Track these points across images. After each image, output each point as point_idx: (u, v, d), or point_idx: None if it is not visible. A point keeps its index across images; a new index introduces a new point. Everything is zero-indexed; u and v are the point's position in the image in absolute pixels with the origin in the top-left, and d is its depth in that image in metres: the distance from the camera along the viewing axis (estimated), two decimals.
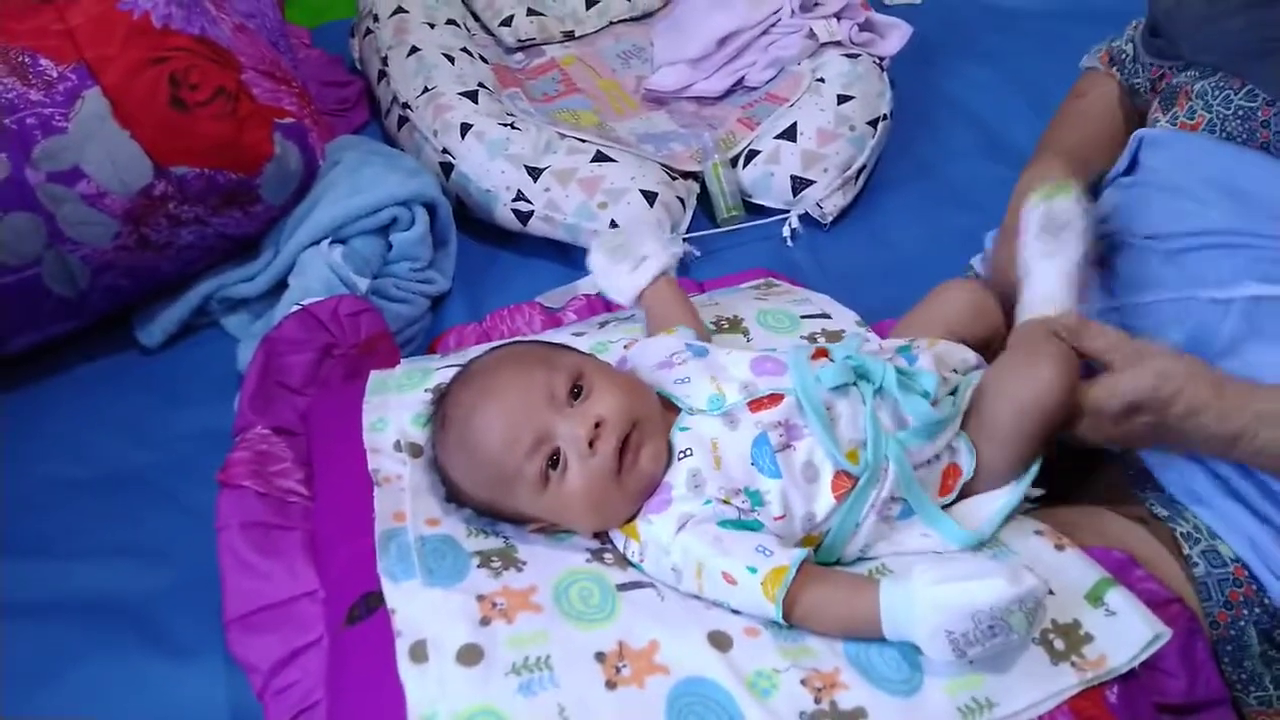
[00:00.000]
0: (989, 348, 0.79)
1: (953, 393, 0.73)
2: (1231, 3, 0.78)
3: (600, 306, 1.08)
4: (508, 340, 0.87)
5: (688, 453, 0.67)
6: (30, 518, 0.91)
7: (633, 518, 0.68)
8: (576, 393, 0.67)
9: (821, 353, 0.71)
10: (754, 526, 0.64)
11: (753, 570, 0.61)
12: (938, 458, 0.70)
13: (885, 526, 0.68)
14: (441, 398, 0.73)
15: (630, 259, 0.84)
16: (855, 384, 0.68)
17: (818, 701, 0.59)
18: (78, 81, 0.92)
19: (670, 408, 0.71)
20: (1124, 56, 0.97)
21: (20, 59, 0.91)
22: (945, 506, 0.69)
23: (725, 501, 0.65)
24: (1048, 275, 0.74)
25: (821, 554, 0.68)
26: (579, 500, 0.66)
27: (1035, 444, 0.70)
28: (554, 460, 0.66)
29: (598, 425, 0.65)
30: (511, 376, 0.69)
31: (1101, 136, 0.97)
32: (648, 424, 0.67)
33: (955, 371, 0.74)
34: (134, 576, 0.85)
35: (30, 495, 0.93)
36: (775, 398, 0.68)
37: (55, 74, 0.92)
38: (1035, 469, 0.71)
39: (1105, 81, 0.99)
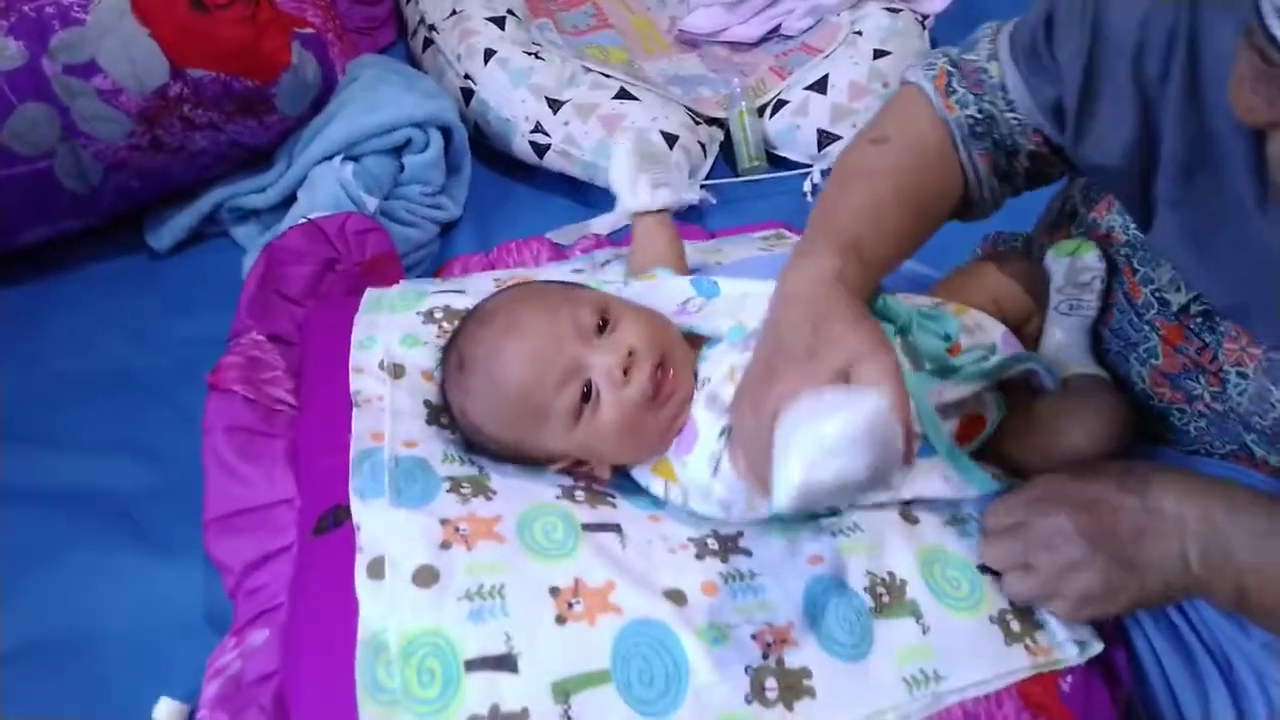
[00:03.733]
0: (1022, 328, 0.76)
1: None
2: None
3: (607, 246, 1.07)
4: (519, 282, 0.85)
5: (706, 381, 0.66)
6: (33, 409, 0.93)
7: (663, 455, 0.67)
8: (602, 327, 0.66)
9: None
10: None
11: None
12: (958, 407, 0.68)
13: None
14: (454, 338, 0.72)
15: (653, 174, 0.82)
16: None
17: (765, 656, 0.59)
18: None
19: (692, 343, 0.70)
20: (985, 80, 0.67)
21: None
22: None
23: None
24: (1071, 330, 0.72)
25: None
26: (613, 431, 0.65)
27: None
28: (586, 393, 0.65)
29: (630, 354, 0.64)
30: (536, 312, 0.68)
31: (894, 226, 0.65)
32: (676, 353, 0.67)
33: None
34: (126, 473, 0.87)
35: (34, 388, 0.95)
36: None
37: None
38: None
39: (922, 115, 0.68)
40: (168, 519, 0.83)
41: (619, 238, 1.14)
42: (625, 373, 0.64)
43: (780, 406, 0.51)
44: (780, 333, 0.56)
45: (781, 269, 0.60)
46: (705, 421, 0.65)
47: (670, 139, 1.14)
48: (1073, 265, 0.72)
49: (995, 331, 0.73)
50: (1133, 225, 0.69)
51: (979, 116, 0.67)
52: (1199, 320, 0.65)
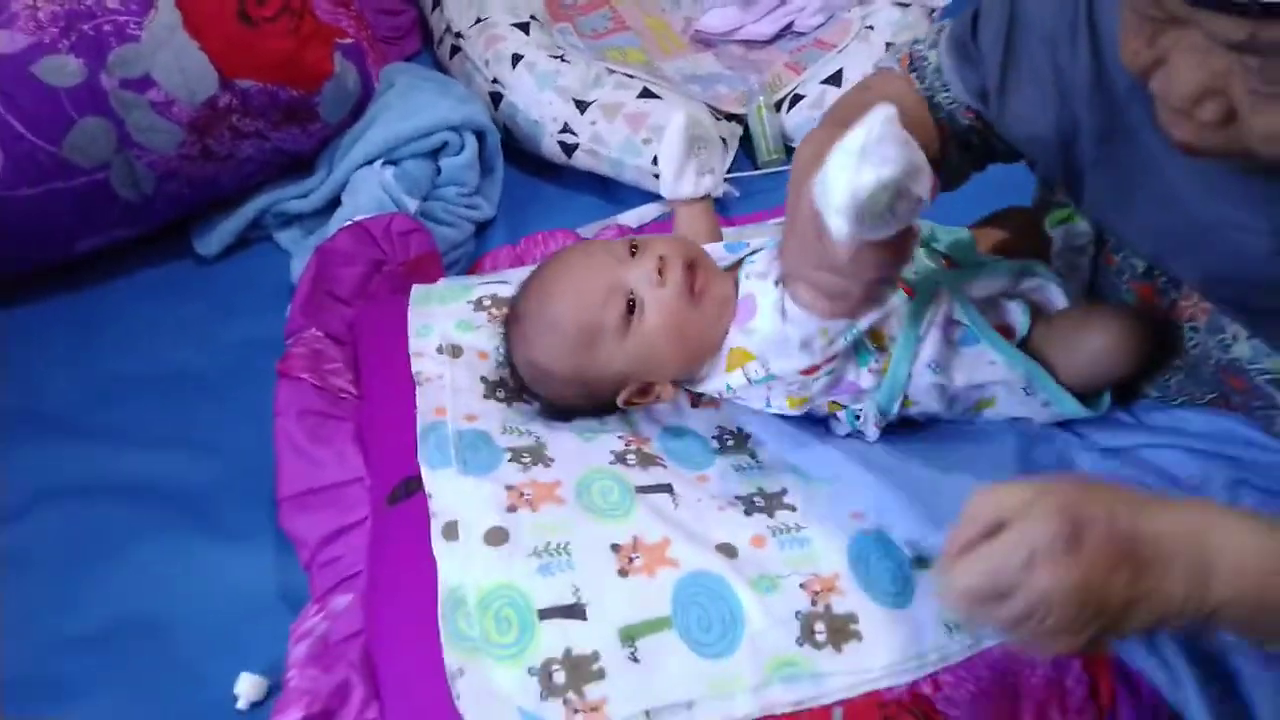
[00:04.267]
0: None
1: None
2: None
3: (629, 234, 1.11)
4: None
5: (752, 262, 0.72)
6: (95, 409, 0.98)
7: (731, 346, 0.70)
8: (634, 252, 0.72)
9: None
10: None
11: None
12: (986, 306, 0.72)
13: (949, 351, 0.70)
14: (512, 303, 0.78)
15: (701, 160, 0.84)
16: None
17: (814, 604, 0.63)
18: None
19: (731, 270, 0.74)
20: (924, 65, 0.75)
21: None
22: None
23: None
24: (1069, 295, 0.76)
25: (893, 368, 0.70)
26: (663, 332, 0.70)
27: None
28: (630, 304, 0.70)
29: (661, 259, 0.70)
30: (573, 254, 0.75)
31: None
32: (703, 260, 0.72)
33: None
34: (190, 466, 0.91)
35: (94, 387, 1.00)
36: None
37: None
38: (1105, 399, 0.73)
39: (898, 82, 0.76)
40: (233, 507, 0.87)
41: (645, 229, 1.18)
42: (660, 274, 0.70)
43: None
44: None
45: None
46: (759, 288, 0.69)
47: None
48: (1067, 231, 0.76)
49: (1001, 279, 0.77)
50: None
51: (924, 94, 0.74)
52: (1164, 280, 0.70)
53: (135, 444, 0.94)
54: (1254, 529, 0.51)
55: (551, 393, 0.75)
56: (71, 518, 0.88)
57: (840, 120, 0.68)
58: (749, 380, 0.70)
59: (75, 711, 0.74)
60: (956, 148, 0.75)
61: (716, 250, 0.77)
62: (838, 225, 0.54)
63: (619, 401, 0.74)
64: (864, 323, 0.66)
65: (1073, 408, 0.72)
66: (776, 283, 0.67)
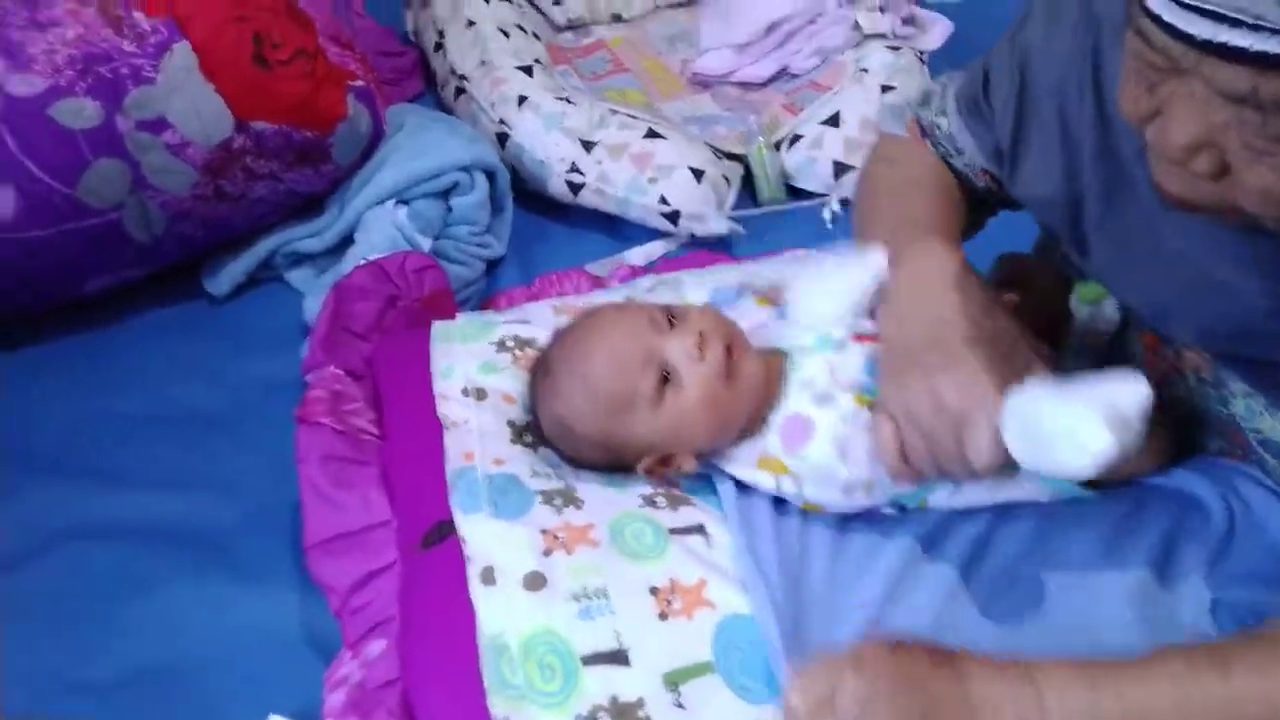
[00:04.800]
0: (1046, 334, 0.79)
1: None
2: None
3: (642, 274, 1.13)
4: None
5: (809, 383, 0.71)
6: (107, 449, 0.97)
7: (767, 454, 0.71)
8: (672, 323, 0.72)
9: None
10: None
11: None
12: None
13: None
14: (541, 356, 0.78)
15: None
16: None
17: None
18: (168, 34, 0.97)
19: (775, 358, 0.74)
20: (936, 132, 0.77)
21: (116, 12, 0.96)
22: None
23: (860, 401, 0.68)
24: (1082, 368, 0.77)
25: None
26: (696, 407, 0.70)
27: None
28: (666, 376, 0.70)
29: (701, 335, 0.70)
30: (613, 317, 0.75)
31: (952, 216, 0.75)
32: (740, 339, 0.73)
33: None
34: (208, 507, 0.91)
35: (107, 428, 0.99)
36: (877, 336, 0.71)
37: (148, 26, 0.97)
38: None
39: (920, 151, 0.78)
40: (254, 548, 0.86)
41: (653, 267, 1.20)
42: (699, 350, 0.70)
43: (991, 395, 0.60)
44: (934, 327, 0.64)
45: (894, 269, 0.69)
46: (821, 416, 0.69)
47: (698, 174, 1.21)
48: (1093, 313, 0.76)
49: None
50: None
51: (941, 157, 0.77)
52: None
53: (149, 485, 0.93)
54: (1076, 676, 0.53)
55: (572, 450, 0.76)
56: (85, 560, 0.86)
57: (889, 214, 0.74)
58: (777, 487, 0.71)
59: None
60: (972, 205, 0.77)
61: (757, 312, 0.79)
62: (1071, 465, 0.58)
63: (639, 469, 0.74)
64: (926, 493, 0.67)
65: (1078, 492, 0.71)
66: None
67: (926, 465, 0.63)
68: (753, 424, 0.72)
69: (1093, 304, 0.75)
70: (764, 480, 0.72)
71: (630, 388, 0.70)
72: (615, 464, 0.75)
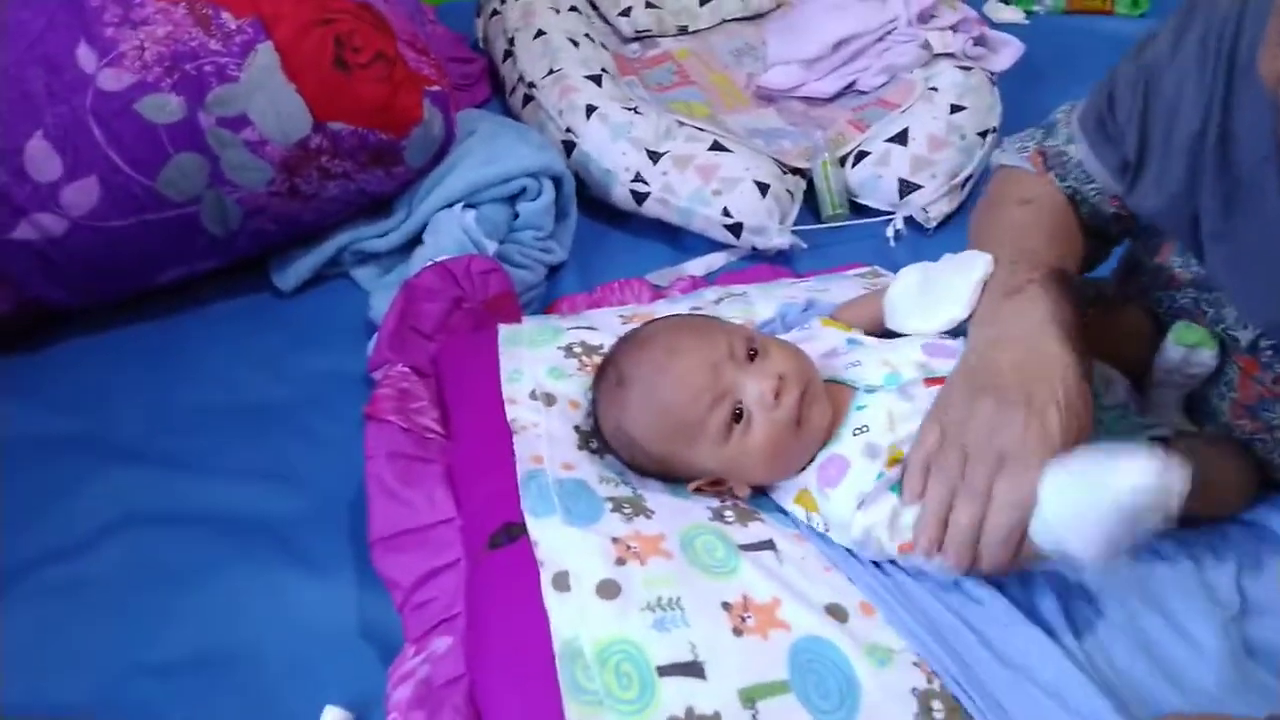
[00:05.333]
0: (1139, 379, 0.78)
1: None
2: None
3: (704, 285, 1.13)
4: (672, 315, 0.88)
5: (864, 429, 0.70)
6: (174, 437, 0.98)
7: (805, 488, 0.71)
8: (752, 356, 0.72)
9: None
10: None
11: None
12: None
13: None
14: (613, 358, 0.77)
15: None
16: None
17: (929, 681, 0.62)
18: (253, 35, 0.99)
19: (841, 391, 0.73)
20: (1065, 161, 0.78)
21: (204, 11, 0.98)
22: None
23: (894, 460, 0.67)
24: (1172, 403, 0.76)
25: None
26: (762, 451, 0.70)
27: None
28: (737, 415, 0.70)
29: (780, 379, 0.69)
30: (693, 338, 0.73)
31: (1069, 250, 0.77)
32: (816, 386, 0.72)
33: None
34: (271, 497, 0.91)
35: (174, 417, 1.01)
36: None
37: (234, 26, 0.99)
38: None
39: (1042, 184, 0.79)
40: (317, 540, 0.87)
41: (713, 278, 1.20)
42: (776, 396, 0.69)
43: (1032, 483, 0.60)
44: (1027, 366, 0.65)
45: (1005, 299, 0.69)
46: (860, 464, 0.68)
47: (762, 187, 1.21)
48: (1188, 357, 0.74)
49: (1120, 386, 0.77)
50: (1194, 265, 0.75)
51: (1068, 193, 0.77)
52: (1269, 353, 0.70)
53: (213, 473, 0.94)
54: None
55: (630, 458, 0.76)
56: (149, 546, 0.88)
57: (1007, 247, 0.74)
58: (808, 523, 0.71)
59: None
60: (1094, 240, 0.78)
61: (832, 338, 0.78)
62: (1086, 554, 0.58)
63: (689, 488, 0.74)
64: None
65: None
66: (893, 488, 0.66)
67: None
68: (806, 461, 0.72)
69: (1190, 348, 0.73)
70: (798, 514, 0.72)
71: (700, 419, 0.70)
72: (668, 477, 0.75)
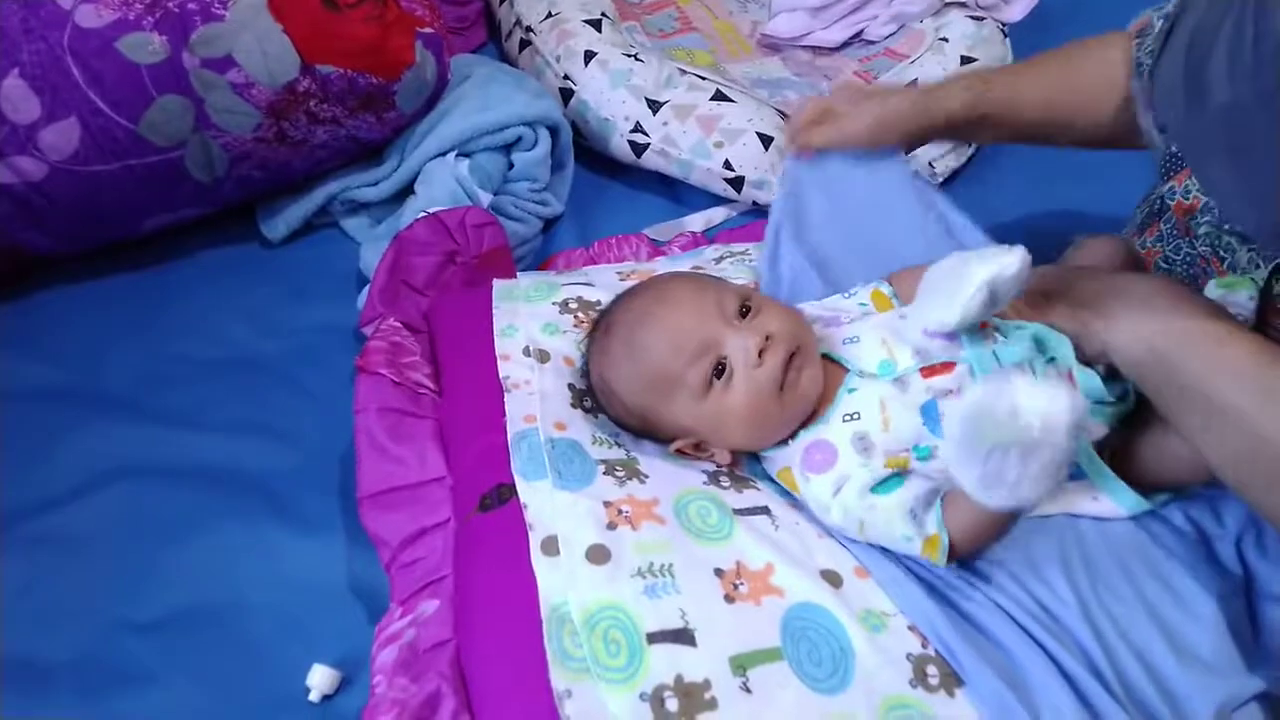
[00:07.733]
0: None
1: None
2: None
3: (704, 243, 1.10)
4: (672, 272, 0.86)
5: (854, 416, 0.67)
6: (162, 390, 0.96)
7: (789, 466, 0.70)
8: (744, 313, 0.69)
9: (984, 324, 0.69)
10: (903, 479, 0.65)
11: (908, 538, 0.64)
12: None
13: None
14: (607, 309, 0.75)
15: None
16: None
17: (924, 646, 0.61)
18: None
19: (835, 369, 0.71)
20: (1151, 32, 0.79)
21: None
22: None
23: (888, 464, 0.65)
24: None
25: None
26: (739, 411, 0.68)
27: None
28: (719, 370, 0.68)
29: (767, 338, 0.67)
30: (686, 288, 0.71)
31: (1086, 104, 0.83)
32: (808, 350, 0.69)
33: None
34: (260, 452, 0.90)
35: (162, 370, 0.98)
36: (948, 365, 0.67)
37: None
38: None
39: (1117, 46, 0.82)
40: (305, 495, 0.86)
41: (713, 234, 1.17)
42: (760, 355, 0.67)
43: None
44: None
45: None
46: (849, 458, 0.66)
47: (765, 140, 1.17)
48: (1225, 298, 0.70)
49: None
50: (1211, 203, 0.73)
51: (1134, 62, 0.79)
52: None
53: (201, 427, 0.93)
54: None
55: (613, 413, 0.74)
56: (134, 500, 0.86)
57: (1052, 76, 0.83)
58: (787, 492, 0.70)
59: (144, 697, 0.74)
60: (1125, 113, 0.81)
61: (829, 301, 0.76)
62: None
63: (670, 449, 0.72)
64: None
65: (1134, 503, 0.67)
66: (879, 488, 0.65)
67: None
68: (791, 433, 0.70)
69: (1228, 288, 0.71)
70: (780, 480, 0.71)
71: (679, 372, 0.68)
72: (649, 435, 0.73)
